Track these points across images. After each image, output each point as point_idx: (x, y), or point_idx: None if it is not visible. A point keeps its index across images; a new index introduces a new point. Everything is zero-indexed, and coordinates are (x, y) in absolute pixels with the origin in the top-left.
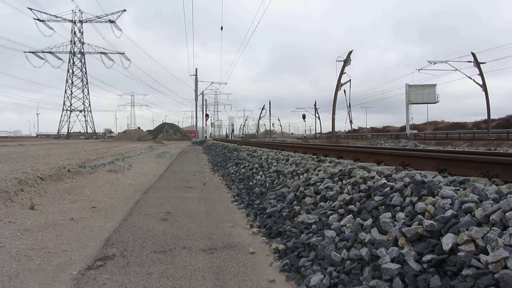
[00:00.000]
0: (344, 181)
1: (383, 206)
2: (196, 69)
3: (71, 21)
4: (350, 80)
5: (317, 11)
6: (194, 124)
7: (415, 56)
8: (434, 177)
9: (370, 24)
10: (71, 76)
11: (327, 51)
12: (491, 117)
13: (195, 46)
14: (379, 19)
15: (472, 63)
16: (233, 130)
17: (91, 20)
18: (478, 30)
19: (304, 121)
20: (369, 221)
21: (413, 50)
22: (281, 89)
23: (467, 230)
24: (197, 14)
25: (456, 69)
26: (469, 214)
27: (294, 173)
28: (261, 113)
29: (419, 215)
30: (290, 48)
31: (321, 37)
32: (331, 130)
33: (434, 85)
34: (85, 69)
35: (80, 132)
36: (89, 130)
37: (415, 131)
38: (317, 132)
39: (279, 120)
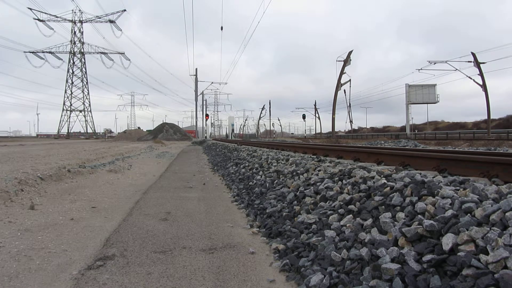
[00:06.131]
0: (344, 181)
1: (383, 206)
2: (196, 69)
3: (71, 21)
4: (350, 80)
5: (323, 12)
6: (194, 124)
7: (420, 56)
8: (434, 177)
9: (376, 25)
10: (71, 76)
11: (332, 51)
12: (491, 117)
13: (200, 46)
14: (385, 20)
15: (472, 63)
16: (233, 130)
17: (91, 20)
18: (482, 30)
19: (304, 121)
20: (369, 221)
21: (418, 50)
22: (283, 89)
23: (467, 230)
24: (203, 14)
25: (456, 69)
26: (469, 214)
27: (294, 173)
28: (261, 113)
29: (419, 215)
30: (295, 48)
31: (326, 37)
32: (331, 130)
33: (434, 85)
34: (85, 69)
35: (80, 132)
36: (89, 130)
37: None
38: (317, 132)
39: (279, 120)
